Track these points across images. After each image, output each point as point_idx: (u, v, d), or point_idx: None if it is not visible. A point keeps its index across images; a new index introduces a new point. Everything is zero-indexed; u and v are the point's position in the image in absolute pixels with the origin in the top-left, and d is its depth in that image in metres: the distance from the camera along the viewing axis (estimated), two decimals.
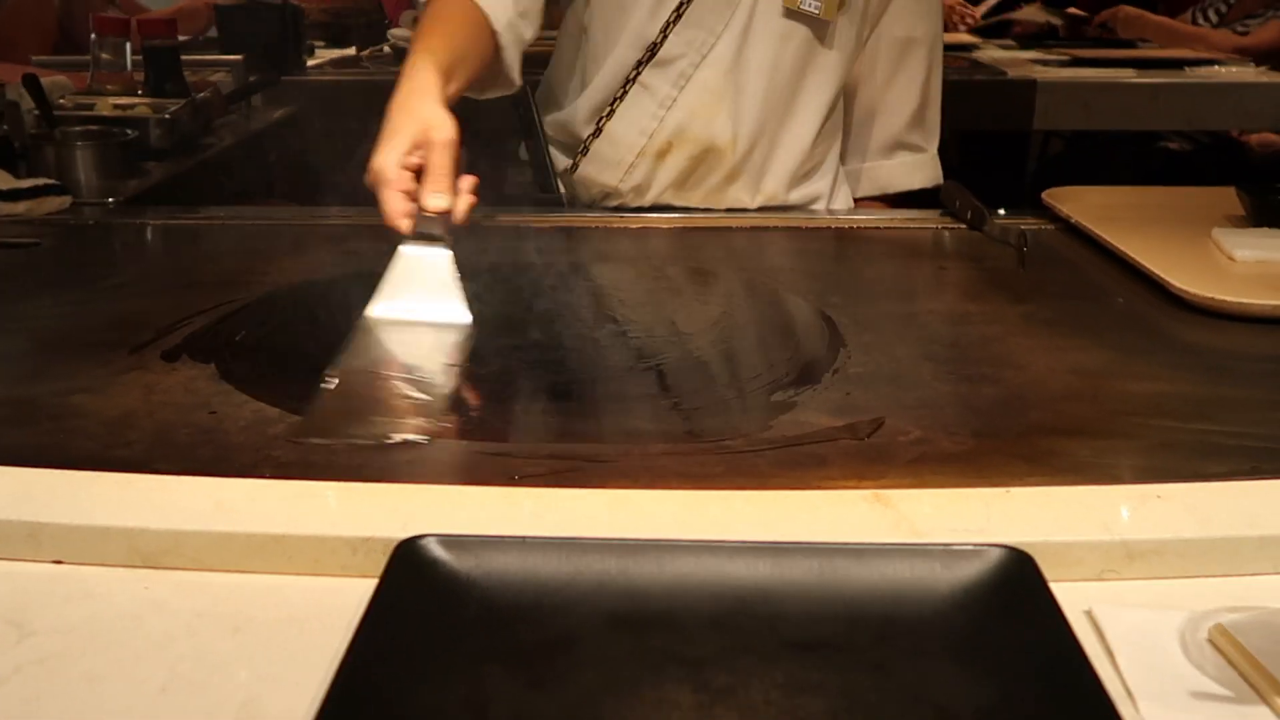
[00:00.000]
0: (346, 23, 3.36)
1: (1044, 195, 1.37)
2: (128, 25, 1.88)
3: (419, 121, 1.01)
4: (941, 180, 1.52)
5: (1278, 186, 1.28)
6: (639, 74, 1.35)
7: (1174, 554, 0.61)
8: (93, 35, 1.86)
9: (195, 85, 1.90)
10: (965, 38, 3.62)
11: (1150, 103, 2.72)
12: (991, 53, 3.36)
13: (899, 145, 1.51)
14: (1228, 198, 1.33)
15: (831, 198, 1.46)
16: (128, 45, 1.87)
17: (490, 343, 0.93)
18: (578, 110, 1.40)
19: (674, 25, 1.32)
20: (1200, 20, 3.40)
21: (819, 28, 1.33)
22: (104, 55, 1.88)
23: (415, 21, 3.10)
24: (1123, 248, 1.16)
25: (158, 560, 0.61)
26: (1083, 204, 1.34)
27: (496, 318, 0.99)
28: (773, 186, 1.40)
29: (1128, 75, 2.79)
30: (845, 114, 1.48)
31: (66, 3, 2.73)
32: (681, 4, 1.31)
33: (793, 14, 1.31)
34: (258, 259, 1.20)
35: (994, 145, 3.28)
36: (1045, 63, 3.02)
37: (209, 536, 0.61)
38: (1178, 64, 2.90)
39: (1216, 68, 2.89)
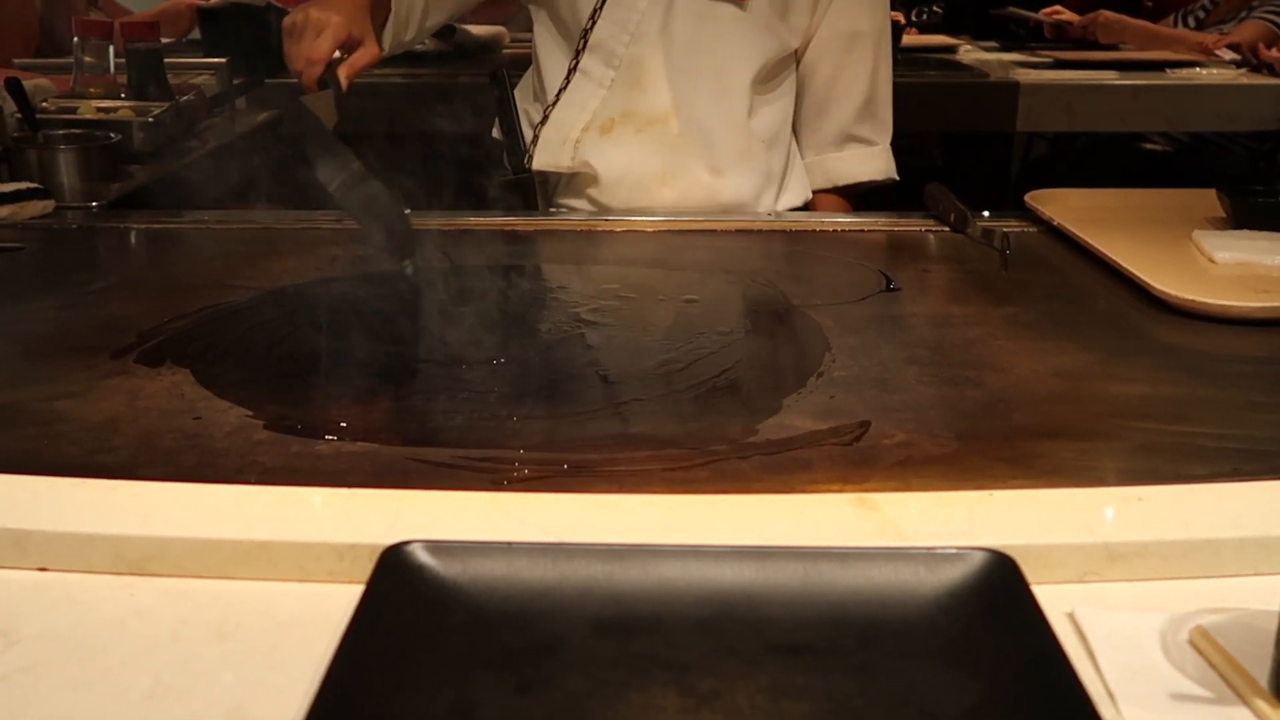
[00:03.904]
0: None
1: (1026, 198, 1.38)
2: (110, 28, 1.87)
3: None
4: (894, 174, 1.56)
5: (1258, 189, 1.29)
6: (578, 62, 1.44)
7: (1155, 556, 0.61)
8: (75, 38, 1.85)
9: (178, 88, 1.89)
10: (948, 39, 3.63)
11: (1132, 104, 2.74)
12: (975, 54, 3.37)
13: (849, 138, 1.55)
14: (1208, 200, 1.34)
15: (784, 182, 1.51)
16: (110, 48, 1.87)
17: (473, 348, 0.93)
18: (536, 103, 1.49)
19: (601, 9, 1.42)
20: (1180, 26, 3.43)
21: (733, 7, 1.41)
22: (87, 58, 1.87)
23: None
24: (1105, 250, 1.16)
25: (143, 567, 0.61)
26: (1065, 206, 1.35)
27: (479, 323, 0.99)
28: (722, 162, 1.44)
29: (1110, 77, 2.80)
30: (797, 108, 1.53)
31: (48, 5, 2.71)
32: None
33: None
34: (240, 263, 1.20)
35: (977, 146, 3.29)
36: (1028, 65, 3.04)
37: (194, 543, 0.61)
38: (1159, 66, 2.92)
39: (1197, 69, 2.90)
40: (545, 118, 1.46)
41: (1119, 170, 3.22)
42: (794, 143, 1.55)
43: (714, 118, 1.44)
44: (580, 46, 1.44)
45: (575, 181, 1.48)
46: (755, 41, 1.43)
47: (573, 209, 1.48)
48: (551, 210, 1.50)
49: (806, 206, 1.55)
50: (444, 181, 1.32)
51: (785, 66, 1.49)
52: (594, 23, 1.42)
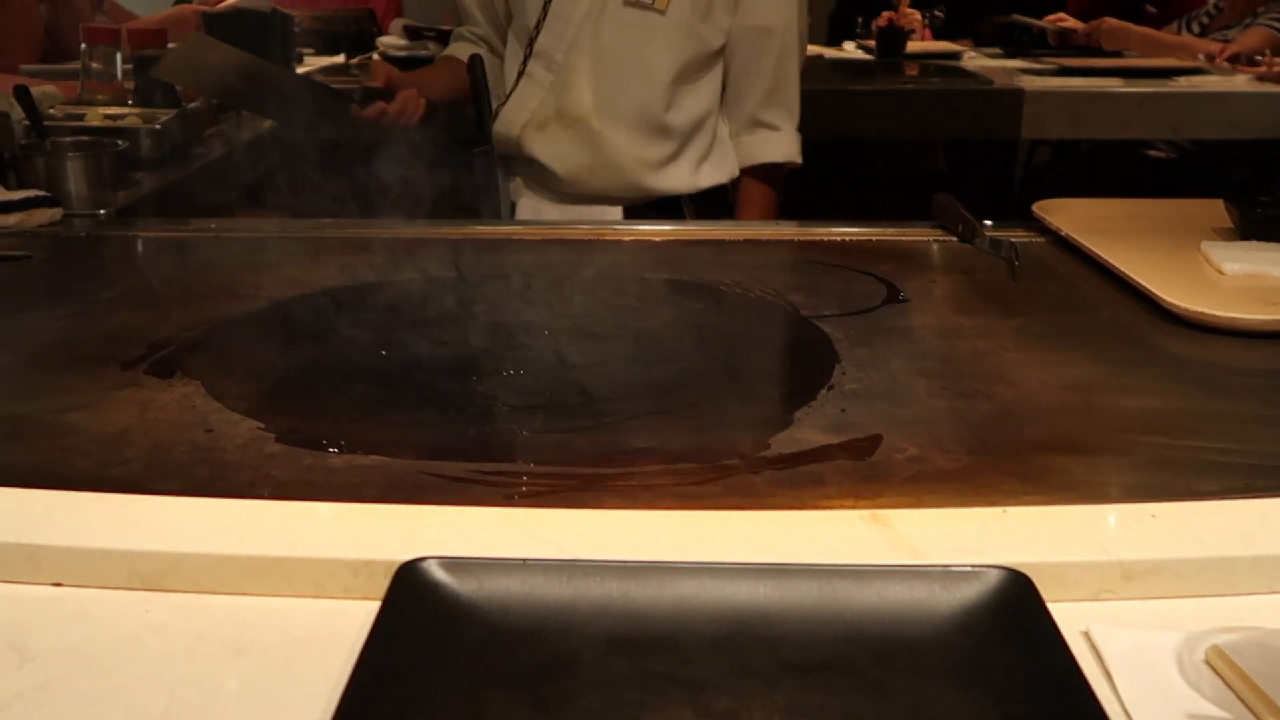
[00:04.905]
0: (336, 30, 3.36)
1: (1034, 207, 1.38)
2: (118, 35, 1.87)
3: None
4: (797, 158, 1.78)
5: (1265, 200, 1.29)
6: (525, 67, 1.69)
7: (1170, 574, 0.61)
8: (83, 45, 1.85)
9: (185, 94, 1.89)
10: (951, 45, 3.64)
11: (1137, 111, 2.74)
12: (979, 61, 3.38)
13: (757, 123, 1.76)
14: (1216, 210, 1.34)
15: (706, 159, 1.73)
16: (118, 54, 1.87)
17: (483, 359, 0.94)
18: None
19: (544, 22, 1.65)
20: (1183, 33, 3.43)
21: (656, 15, 1.63)
22: (94, 64, 1.87)
23: (405, 30, 3.10)
24: (1113, 261, 1.16)
25: (157, 582, 0.61)
26: (1072, 216, 1.35)
27: (487, 333, 1.00)
28: (640, 153, 1.67)
29: (1114, 84, 2.81)
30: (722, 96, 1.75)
31: (54, 10, 2.72)
32: (547, 1, 1.64)
33: (632, 5, 1.63)
34: (249, 272, 1.20)
35: (981, 153, 3.30)
36: (1032, 72, 3.04)
37: (208, 559, 0.61)
38: (1165, 73, 2.92)
39: (1203, 76, 2.91)
40: (496, 113, 1.71)
41: (1123, 177, 3.23)
42: (723, 125, 1.76)
43: (632, 115, 1.65)
44: (527, 53, 1.68)
45: (526, 167, 1.73)
46: (676, 44, 1.64)
47: (527, 190, 1.75)
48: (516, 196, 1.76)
49: (732, 184, 1.77)
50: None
51: (710, 62, 1.70)
52: (538, 33, 1.66)
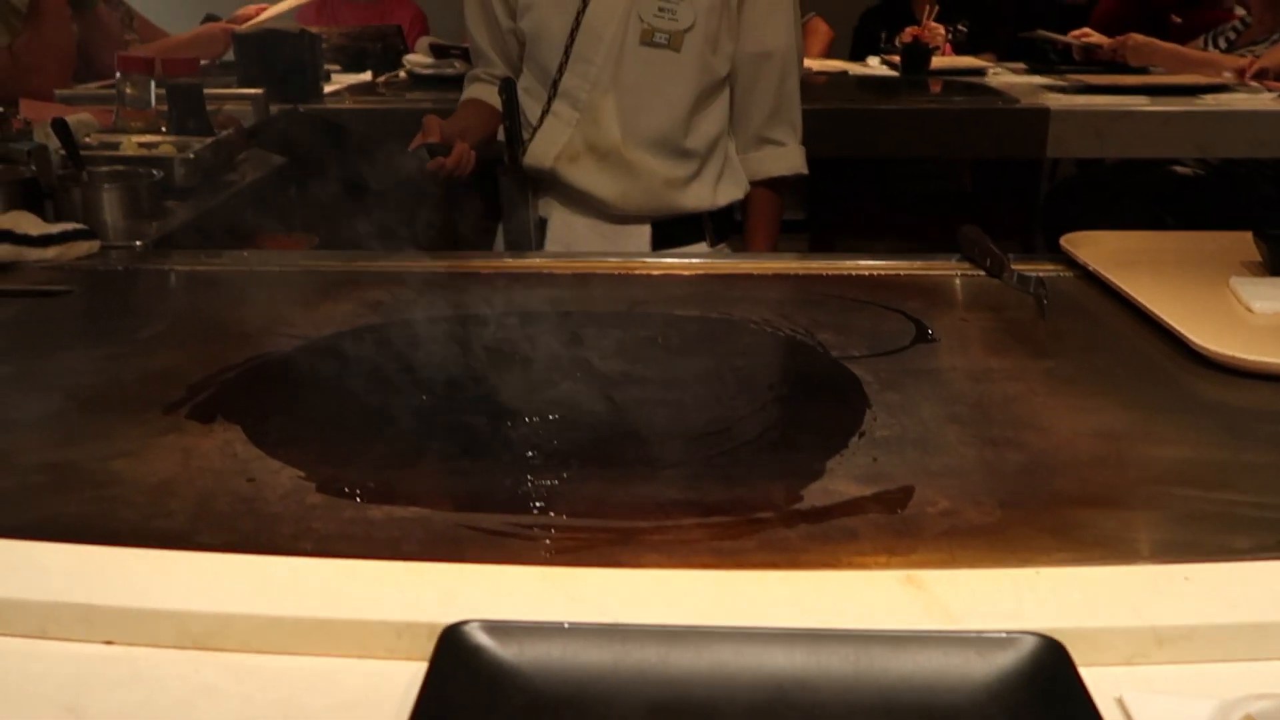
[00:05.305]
0: (363, 47, 3.39)
1: (1061, 241, 1.39)
2: (152, 64, 1.90)
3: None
4: (803, 169, 1.89)
5: None
6: (549, 106, 1.79)
7: (1203, 639, 0.62)
8: (118, 73, 1.88)
9: (218, 121, 1.92)
10: (977, 61, 3.63)
11: (1162, 130, 2.73)
12: (1003, 77, 3.37)
13: (763, 140, 1.87)
14: (1245, 243, 1.34)
15: (721, 178, 1.84)
16: (152, 82, 1.89)
17: (516, 403, 0.95)
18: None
19: (566, 64, 1.75)
20: (1210, 49, 3.41)
21: (672, 52, 1.74)
22: (129, 90, 1.90)
23: (431, 49, 3.12)
24: (1141, 299, 1.17)
25: (206, 641, 0.63)
26: (1100, 249, 1.36)
27: (520, 376, 1.01)
28: (666, 176, 1.78)
29: (1140, 103, 2.80)
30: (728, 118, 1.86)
31: (86, 28, 2.75)
32: (569, 45, 1.74)
33: (649, 45, 1.73)
34: (284, 307, 1.22)
35: (1005, 169, 3.30)
36: (1057, 89, 3.04)
37: (256, 620, 0.62)
38: (1191, 90, 2.91)
39: (1230, 94, 2.89)
40: (525, 149, 1.79)
41: (1149, 193, 3.22)
42: (731, 145, 1.87)
43: (657, 143, 1.76)
44: (551, 94, 1.78)
45: (559, 191, 1.81)
46: (691, 77, 1.75)
47: (558, 208, 1.83)
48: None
49: (745, 198, 1.88)
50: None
51: (720, 88, 1.81)
52: (561, 74, 1.76)
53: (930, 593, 0.64)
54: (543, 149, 1.78)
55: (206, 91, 1.99)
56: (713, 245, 1.88)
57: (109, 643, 0.63)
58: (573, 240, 1.83)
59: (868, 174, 3.13)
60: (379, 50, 3.38)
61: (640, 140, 1.76)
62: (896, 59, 3.55)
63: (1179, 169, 3.17)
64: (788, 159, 1.89)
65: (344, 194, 1.61)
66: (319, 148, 1.59)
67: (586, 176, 1.78)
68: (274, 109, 2.31)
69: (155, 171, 1.60)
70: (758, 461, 0.86)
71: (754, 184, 1.90)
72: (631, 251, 1.78)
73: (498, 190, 1.82)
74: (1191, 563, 0.68)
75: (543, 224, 1.85)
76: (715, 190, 1.84)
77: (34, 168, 1.52)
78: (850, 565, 0.70)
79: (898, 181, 3.20)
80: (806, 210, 3.10)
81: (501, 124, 1.81)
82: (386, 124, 2.65)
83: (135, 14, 3.36)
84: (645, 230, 1.83)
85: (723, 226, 1.91)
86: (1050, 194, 3.43)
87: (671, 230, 1.84)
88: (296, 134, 1.61)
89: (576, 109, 1.76)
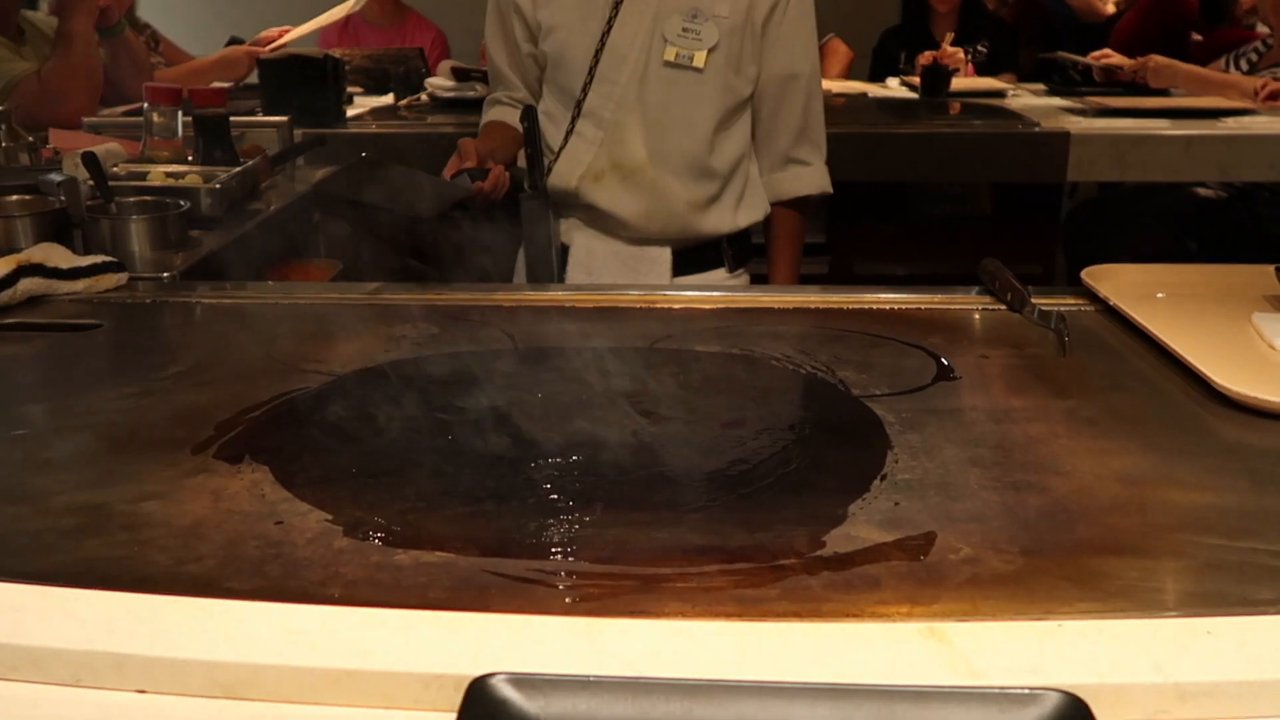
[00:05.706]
0: (386, 70, 3.42)
1: (1083, 275, 1.39)
2: (179, 94, 1.92)
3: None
4: (829, 188, 1.94)
5: None
6: (573, 126, 1.81)
7: (1225, 695, 0.62)
8: (145, 103, 1.90)
9: (243, 151, 1.94)
10: (997, 83, 3.64)
11: (1184, 154, 2.73)
12: (1023, 100, 3.37)
13: (789, 160, 1.91)
14: (1266, 276, 1.34)
15: (742, 200, 1.87)
16: (179, 112, 1.92)
17: (539, 443, 0.96)
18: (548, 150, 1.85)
19: (590, 84, 1.78)
20: (1232, 69, 3.41)
21: (695, 72, 1.77)
22: (156, 119, 1.92)
23: (452, 72, 3.14)
24: (1163, 337, 1.17)
25: (235, 690, 0.64)
26: (1120, 283, 1.36)
27: (541, 414, 1.02)
28: (690, 197, 1.81)
29: (1161, 126, 2.80)
30: (751, 139, 1.89)
31: (113, 54, 2.79)
32: (593, 65, 1.77)
33: (673, 65, 1.76)
34: (309, 343, 1.23)
35: (1026, 191, 3.29)
36: (1077, 111, 3.04)
37: (284, 670, 0.63)
38: (1212, 114, 2.91)
39: (1252, 117, 2.89)
40: (549, 169, 1.82)
41: (1170, 215, 3.21)
42: (753, 165, 1.90)
43: (682, 163, 1.79)
44: (575, 114, 1.81)
45: (582, 212, 1.84)
46: (714, 97, 1.78)
47: (580, 232, 1.86)
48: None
49: (766, 220, 1.92)
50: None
51: (742, 109, 1.84)
52: (585, 95, 1.79)
53: (953, 646, 0.65)
54: (567, 169, 1.81)
55: (232, 119, 2.02)
56: (731, 271, 1.90)
57: (141, 691, 0.64)
58: (594, 266, 1.85)
59: (888, 196, 3.14)
60: (401, 73, 3.41)
61: (666, 160, 1.79)
62: (916, 80, 3.56)
63: (1201, 190, 3.16)
64: (814, 178, 1.92)
65: (389, 227, 1.65)
66: (387, 194, 1.60)
67: (610, 196, 1.80)
68: (302, 134, 2.33)
69: (182, 202, 1.62)
70: (780, 504, 0.87)
71: (779, 204, 1.93)
72: (652, 282, 1.80)
73: (518, 216, 1.84)
74: (1214, 615, 0.68)
75: (564, 250, 1.87)
76: (736, 213, 1.87)
77: (64, 199, 1.54)
78: (873, 616, 0.70)
79: (918, 204, 3.20)
80: (827, 233, 3.11)
81: (523, 149, 1.83)
82: (410, 147, 2.68)
83: (160, 37, 3.40)
84: (666, 256, 1.85)
85: (741, 252, 1.94)
86: (1070, 214, 3.43)
87: (691, 257, 1.87)
88: (365, 181, 1.62)
89: (601, 128, 1.79)
